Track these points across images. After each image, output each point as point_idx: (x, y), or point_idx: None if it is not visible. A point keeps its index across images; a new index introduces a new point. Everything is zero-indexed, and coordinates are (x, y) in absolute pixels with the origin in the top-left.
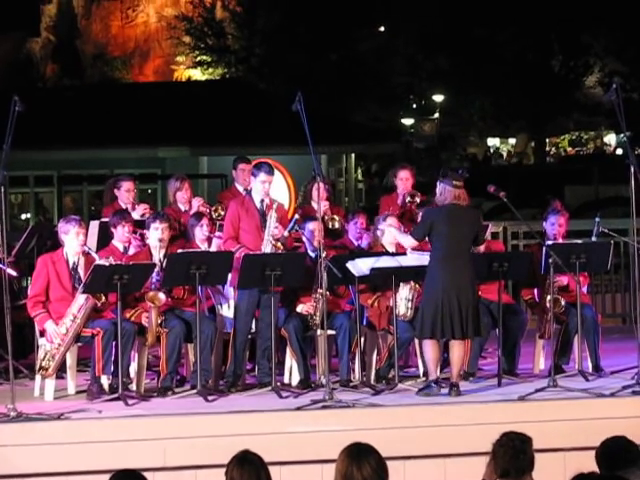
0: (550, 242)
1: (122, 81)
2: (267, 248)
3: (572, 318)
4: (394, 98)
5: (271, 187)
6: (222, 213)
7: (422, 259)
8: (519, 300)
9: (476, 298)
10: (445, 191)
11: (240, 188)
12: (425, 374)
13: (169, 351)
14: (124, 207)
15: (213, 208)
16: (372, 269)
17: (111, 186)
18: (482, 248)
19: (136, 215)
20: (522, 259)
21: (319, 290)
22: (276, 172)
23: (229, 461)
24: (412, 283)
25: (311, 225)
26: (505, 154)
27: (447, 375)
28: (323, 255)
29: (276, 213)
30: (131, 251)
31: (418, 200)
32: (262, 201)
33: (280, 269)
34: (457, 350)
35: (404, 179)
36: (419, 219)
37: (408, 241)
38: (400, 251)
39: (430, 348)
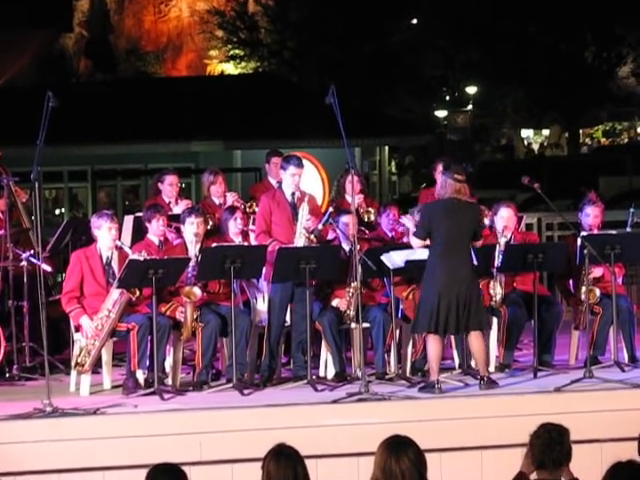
0: (585, 233)
1: (155, 76)
2: (300, 241)
3: (607, 309)
4: (427, 90)
5: (301, 179)
6: (256, 210)
7: None
8: (554, 291)
9: (477, 292)
10: (446, 184)
11: (273, 181)
12: (460, 366)
13: (205, 345)
14: (167, 201)
15: (248, 204)
16: (407, 261)
17: (155, 180)
18: (479, 244)
19: (178, 210)
20: (557, 250)
21: (352, 284)
22: (310, 166)
23: (265, 455)
24: None
25: (345, 218)
26: (537, 145)
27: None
28: (357, 248)
29: (307, 205)
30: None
31: None
32: (293, 194)
33: (315, 262)
34: (474, 343)
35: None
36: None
37: (414, 242)
38: None
39: (432, 344)
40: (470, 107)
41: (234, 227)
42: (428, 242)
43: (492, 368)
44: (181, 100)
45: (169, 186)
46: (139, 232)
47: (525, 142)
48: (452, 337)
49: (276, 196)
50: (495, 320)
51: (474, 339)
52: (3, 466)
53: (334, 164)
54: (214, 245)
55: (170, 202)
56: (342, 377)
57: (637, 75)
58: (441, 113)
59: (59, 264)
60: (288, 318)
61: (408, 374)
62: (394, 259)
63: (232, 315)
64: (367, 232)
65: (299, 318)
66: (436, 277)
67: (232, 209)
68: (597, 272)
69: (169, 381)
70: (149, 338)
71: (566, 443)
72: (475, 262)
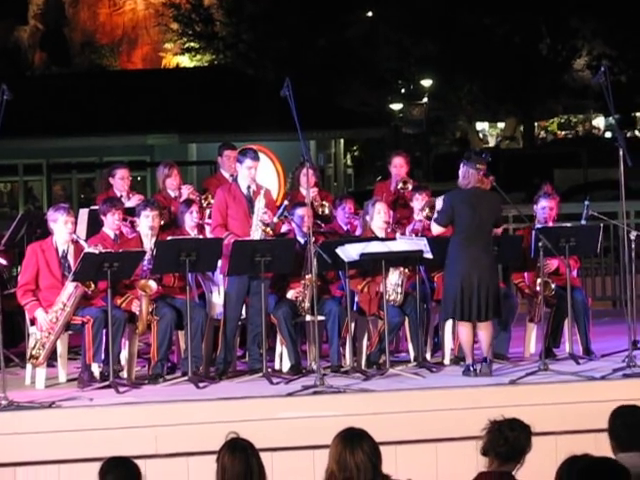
0: (540, 226)
1: (110, 69)
2: (256, 234)
3: (562, 301)
4: (382, 83)
5: (257, 173)
6: (212, 201)
7: (412, 244)
8: (509, 284)
9: (496, 280)
10: (469, 174)
11: (226, 175)
12: (415, 358)
13: (160, 338)
14: (119, 195)
15: (203, 197)
16: (362, 254)
17: (106, 174)
18: (500, 231)
19: (130, 204)
20: (513, 243)
21: (307, 276)
22: (265, 158)
23: (220, 448)
24: (402, 268)
25: (300, 211)
26: (493, 138)
27: (438, 359)
28: (312, 241)
29: (264, 198)
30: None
31: (410, 187)
32: (249, 187)
33: (270, 255)
34: (485, 331)
35: (398, 166)
36: (440, 204)
37: (434, 228)
38: (389, 236)
39: (461, 331)
40: (425, 100)
41: (190, 220)
42: (442, 230)
43: (447, 361)
44: (136, 93)
45: (120, 180)
46: (94, 225)
47: (480, 135)
48: (407, 330)
49: (232, 189)
50: None
51: (484, 327)
52: None
53: (289, 157)
54: (169, 238)
55: (122, 196)
56: (297, 370)
57: (592, 67)
58: (396, 106)
59: (14, 257)
60: (244, 311)
61: (363, 367)
62: (349, 252)
63: (187, 308)
64: (322, 225)
65: (254, 311)
66: (457, 264)
67: (188, 202)
68: (552, 265)
69: (124, 374)
70: (104, 331)
71: (512, 440)
72: (430, 255)
